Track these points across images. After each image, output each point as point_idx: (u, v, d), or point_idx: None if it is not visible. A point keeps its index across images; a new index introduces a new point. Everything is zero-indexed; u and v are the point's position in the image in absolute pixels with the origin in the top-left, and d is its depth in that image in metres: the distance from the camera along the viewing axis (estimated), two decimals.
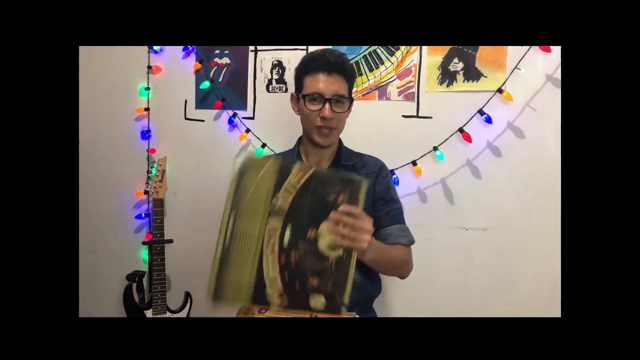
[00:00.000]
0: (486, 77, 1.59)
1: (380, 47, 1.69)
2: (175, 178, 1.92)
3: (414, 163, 1.66)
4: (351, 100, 1.29)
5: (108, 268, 2.03)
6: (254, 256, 0.91)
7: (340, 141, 1.36)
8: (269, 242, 0.91)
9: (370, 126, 1.69)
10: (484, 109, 1.58)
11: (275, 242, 0.91)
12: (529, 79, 1.55)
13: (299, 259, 0.92)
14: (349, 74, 1.28)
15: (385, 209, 1.32)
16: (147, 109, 1.96)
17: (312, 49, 1.74)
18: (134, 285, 1.87)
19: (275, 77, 1.81)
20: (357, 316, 1.18)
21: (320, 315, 1.13)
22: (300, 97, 1.28)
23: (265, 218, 0.91)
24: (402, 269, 1.31)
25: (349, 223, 0.94)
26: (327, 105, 1.22)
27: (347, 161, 1.34)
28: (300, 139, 1.39)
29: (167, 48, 1.93)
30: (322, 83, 1.23)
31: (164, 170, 1.84)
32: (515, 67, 1.54)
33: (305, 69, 1.28)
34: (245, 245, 0.91)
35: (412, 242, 1.32)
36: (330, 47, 1.38)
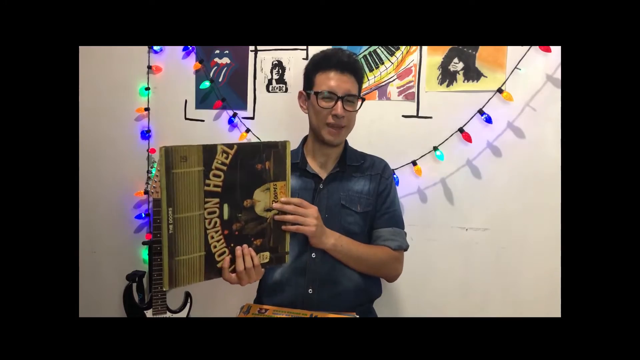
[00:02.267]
0: (486, 77, 1.59)
1: (380, 47, 1.69)
2: None
3: (414, 163, 1.66)
4: (362, 99, 1.30)
5: (108, 268, 2.03)
6: (199, 237, 0.96)
7: (346, 142, 1.37)
8: (211, 222, 0.97)
9: (370, 126, 1.69)
10: (484, 109, 1.58)
11: (217, 221, 0.98)
12: (529, 79, 1.55)
13: (240, 227, 1.01)
14: (359, 74, 1.29)
15: (382, 210, 1.32)
16: (147, 109, 1.96)
17: (312, 49, 1.74)
18: (134, 285, 1.87)
19: (275, 77, 1.81)
20: (357, 316, 1.18)
21: (320, 315, 1.13)
22: (311, 95, 1.26)
23: (202, 201, 0.95)
24: (381, 270, 1.31)
25: (290, 210, 1.08)
26: (339, 103, 1.22)
27: (353, 162, 1.35)
28: (304, 139, 1.39)
29: (167, 48, 1.93)
30: (334, 81, 1.23)
31: None
32: (515, 67, 1.54)
33: (316, 66, 1.27)
34: (189, 231, 0.95)
35: (401, 247, 1.31)
36: (340, 47, 1.38)
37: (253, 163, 1.01)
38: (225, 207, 0.98)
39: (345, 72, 1.24)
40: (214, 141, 1.95)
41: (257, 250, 1.04)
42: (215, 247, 0.99)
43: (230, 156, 0.97)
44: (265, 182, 1.03)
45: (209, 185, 0.96)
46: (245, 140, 1.85)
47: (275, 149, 1.03)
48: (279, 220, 1.08)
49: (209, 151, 0.95)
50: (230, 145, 0.98)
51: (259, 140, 1.04)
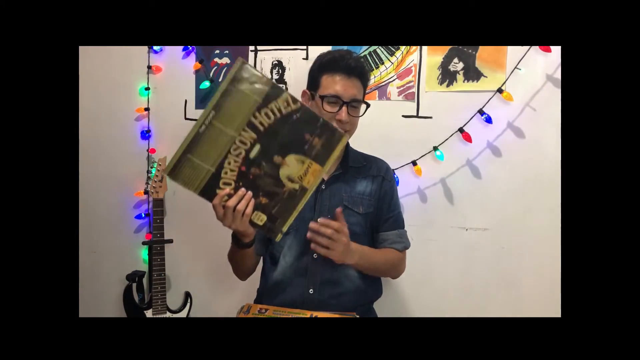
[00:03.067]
0: (486, 77, 1.59)
1: (380, 47, 1.69)
2: None
3: (414, 163, 1.66)
4: (367, 105, 1.28)
5: (108, 268, 2.03)
6: (220, 153, 0.97)
7: (347, 143, 1.36)
8: (237, 149, 0.98)
9: (370, 126, 1.68)
10: (484, 109, 1.58)
11: (243, 153, 0.98)
12: (529, 79, 1.55)
13: (257, 175, 1.00)
14: (365, 79, 1.28)
15: (386, 214, 1.33)
16: (147, 109, 1.96)
17: (312, 49, 1.74)
18: (134, 285, 1.87)
19: (275, 77, 1.81)
20: (357, 316, 1.18)
21: (320, 315, 1.13)
22: (317, 97, 1.24)
23: (241, 127, 0.97)
24: (391, 272, 1.38)
25: (326, 234, 1.09)
26: (344, 108, 1.21)
27: (355, 163, 1.34)
28: None
29: (167, 48, 1.93)
30: (341, 86, 1.21)
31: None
32: (515, 67, 1.54)
33: (323, 68, 1.25)
34: (217, 140, 0.97)
35: (406, 247, 1.35)
36: (348, 48, 1.37)
37: (304, 130, 0.99)
38: (257, 147, 0.98)
39: (352, 76, 1.22)
40: None
41: (258, 207, 1.02)
42: (226, 173, 0.99)
43: (289, 108, 0.98)
44: (304, 153, 1.00)
45: (256, 118, 0.97)
46: None
47: (330, 132, 1.01)
48: (310, 239, 1.10)
49: (274, 90, 0.96)
50: (294, 100, 0.98)
51: (319, 115, 1.02)
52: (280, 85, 0.98)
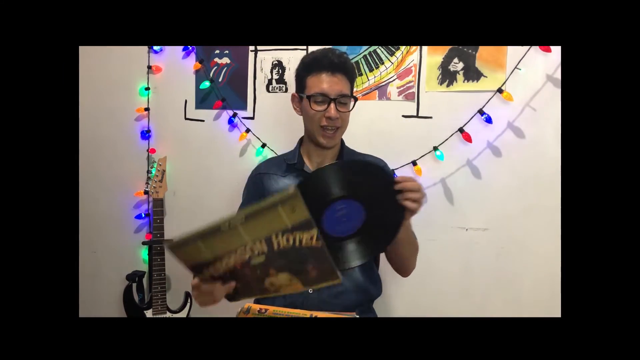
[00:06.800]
0: (486, 77, 1.59)
1: (380, 47, 1.69)
2: (175, 178, 1.92)
3: (414, 163, 1.66)
4: (355, 99, 1.29)
5: (108, 268, 2.03)
6: (228, 250, 0.94)
7: (342, 141, 1.36)
8: (244, 253, 0.95)
9: (370, 126, 1.69)
10: (484, 109, 1.58)
11: (246, 257, 0.95)
12: (529, 79, 1.55)
13: (247, 274, 0.98)
14: (350, 73, 1.28)
15: None
16: (147, 109, 1.96)
17: (312, 49, 1.74)
18: (134, 285, 1.87)
19: (275, 77, 1.81)
20: (357, 316, 1.18)
21: (320, 315, 1.13)
22: (304, 98, 1.26)
23: (259, 239, 0.93)
24: (410, 260, 1.30)
25: (415, 188, 1.02)
26: (332, 105, 1.22)
27: (350, 159, 1.34)
28: (301, 140, 1.39)
29: (167, 48, 1.93)
30: (326, 83, 1.22)
31: (164, 170, 1.84)
32: (515, 67, 1.54)
33: (307, 69, 1.26)
34: (230, 240, 0.93)
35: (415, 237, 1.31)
36: (330, 46, 1.38)
37: (310, 263, 0.96)
38: (262, 258, 0.95)
39: (337, 72, 1.23)
40: (213, 141, 1.95)
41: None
42: (221, 264, 0.97)
43: (309, 243, 0.94)
44: (297, 276, 0.98)
45: (276, 237, 0.93)
46: (244, 141, 1.85)
47: (330, 273, 0.96)
48: (402, 197, 1.03)
49: (307, 224, 0.91)
50: (319, 238, 0.93)
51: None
52: (310, 219, 0.91)
